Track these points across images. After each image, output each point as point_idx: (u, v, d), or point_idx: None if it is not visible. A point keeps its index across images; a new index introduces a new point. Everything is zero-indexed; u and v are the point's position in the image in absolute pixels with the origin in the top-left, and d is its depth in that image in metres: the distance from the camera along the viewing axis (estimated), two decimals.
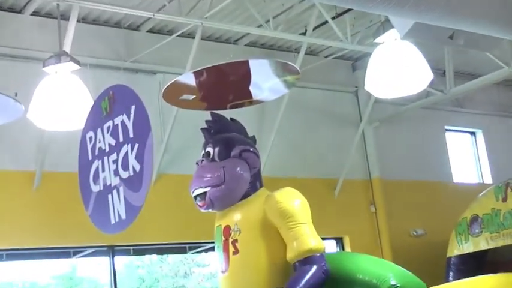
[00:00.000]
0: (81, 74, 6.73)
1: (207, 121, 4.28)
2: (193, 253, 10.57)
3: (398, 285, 3.67)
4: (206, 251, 9.93)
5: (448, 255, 10.08)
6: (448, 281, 9.43)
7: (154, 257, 14.29)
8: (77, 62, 6.56)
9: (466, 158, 13.15)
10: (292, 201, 3.86)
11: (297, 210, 3.82)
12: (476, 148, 13.23)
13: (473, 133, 13.29)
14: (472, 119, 12.97)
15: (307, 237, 3.74)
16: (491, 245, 9.64)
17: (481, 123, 13.11)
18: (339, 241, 10.77)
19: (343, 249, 10.62)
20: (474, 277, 7.69)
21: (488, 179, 12.77)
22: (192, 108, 4.90)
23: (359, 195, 11.11)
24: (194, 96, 4.58)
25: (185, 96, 4.57)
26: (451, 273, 9.87)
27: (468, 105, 12.72)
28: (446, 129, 12.73)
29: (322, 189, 10.49)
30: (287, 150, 10.37)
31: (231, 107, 4.66)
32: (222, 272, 3.95)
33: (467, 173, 12.97)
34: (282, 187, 3.99)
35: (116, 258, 8.97)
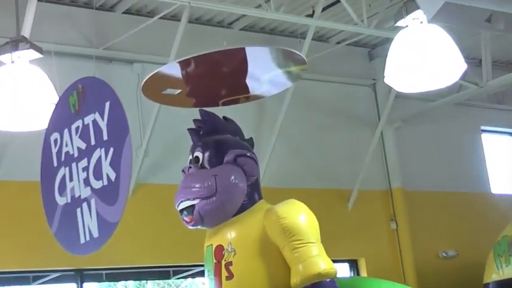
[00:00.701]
0: (44, 63, 6.74)
1: (195, 120, 4.32)
2: (177, 278, 10.58)
3: None
4: (193, 276, 9.95)
5: (485, 281, 10.11)
6: None
7: (131, 283, 14.29)
8: (39, 50, 6.57)
9: (507, 164, 13.19)
10: (297, 216, 3.89)
11: (303, 227, 3.85)
12: None
13: None
14: None
15: (316, 260, 3.76)
16: None
17: None
18: (353, 264, 10.81)
19: (358, 273, 10.66)
20: None
21: None
22: (177, 106, 4.93)
23: (377, 210, 11.14)
24: (180, 90, 4.60)
25: (169, 91, 4.60)
26: None
27: (509, 101, 12.77)
28: (483, 130, 12.77)
29: (333, 202, 10.52)
30: (291, 156, 10.40)
31: (224, 104, 4.69)
32: None
33: (508, 182, 13.00)
34: (284, 199, 4.03)
35: (85, 284, 8.98)
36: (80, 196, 4.44)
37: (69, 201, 4.54)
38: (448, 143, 11.98)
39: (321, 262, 3.76)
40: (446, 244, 11.43)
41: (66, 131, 4.62)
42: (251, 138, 4.38)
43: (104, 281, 9.45)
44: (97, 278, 9.38)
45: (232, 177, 4.05)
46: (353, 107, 11.32)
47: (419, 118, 11.60)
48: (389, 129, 11.38)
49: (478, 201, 11.88)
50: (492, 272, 10.06)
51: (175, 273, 9.96)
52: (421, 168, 11.51)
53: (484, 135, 12.76)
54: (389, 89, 9.52)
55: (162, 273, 10.06)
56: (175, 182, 4.28)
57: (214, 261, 3.98)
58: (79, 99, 4.58)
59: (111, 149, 4.24)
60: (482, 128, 12.77)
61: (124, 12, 9.38)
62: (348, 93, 11.27)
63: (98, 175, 4.30)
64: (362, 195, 10.81)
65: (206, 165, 4.11)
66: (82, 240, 4.40)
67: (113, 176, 4.20)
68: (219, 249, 3.98)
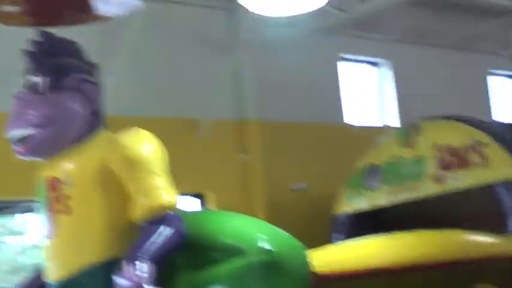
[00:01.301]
0: None
1: (32, 41, 4.26)
2: (3, 216, 10.41)
3: (269, 248, 3.76)
4: (22, 212, 9.80)
5: (335, 212, 10.52)
6: (332, 243, 9.68)
7: None
8: None
9: (366, 94, 13.65)
10: (142, 146, 3.95)
11: (148, 158, 3.90)
12: (380, 82, 13.72)
13: (375, 64, 13.76)
14: (375, 46, 13.41)
15: (160, 192, 3.84)
16: (392, 200, 10.03)
17: (387, 52, 13.57)
18: (201, 198, 11.01)
19: (205, 208, 10.89)
20: (364, 237, 8.09)
21: (393, 121, 13.35)
22: (12, 25, 4.84)
23: (228, 140, 11.35)
24: (16, 8, 4.53)
25: (4, 8, 4.51)
26: (338, 235, 10.27)
27: (372, 29, 13.08)
28: (342, 58, 13.10)
29: (182, 132, 10.63)
30: (137, 81, 10.39)
31: (65, 24, 4.64)
32: (47, 237, 3.97)
33: (367, 114, 13.49)
34: (129, 128, 4.07)
35: None
36: None
37: None
38: (306, 71, 12.23)
39: (165, 194, 3.84)
40: (297, 177, 11.81)
41: None
42: (96, 62, 4.37)
43: None
44: None
45: (73, 104, 4.03)
46: (208, 31, 11.38)
47: (277, 44, 11.74)
48: (245, 55, 11.51)
49: (332, 133, 12.29)
50: (343, 205, 10.47)
51: (1, 209, 9.75)
52: (276, 98, 11.75)
53: (341, 64, 13.11)
54: (247, 11, 9.64)
55: None
56: (6, 109, 4.22)
57: (49, 194, 3.97)
58: None
59: None
60: (343, 56, 13.12)
61: None
62: (202, 15, 11.30)
63: None
64: (213, 124, 10.95)
65: (43, 90, 4.05)
66: None
67: None
68: (55, 181, 3.95)
